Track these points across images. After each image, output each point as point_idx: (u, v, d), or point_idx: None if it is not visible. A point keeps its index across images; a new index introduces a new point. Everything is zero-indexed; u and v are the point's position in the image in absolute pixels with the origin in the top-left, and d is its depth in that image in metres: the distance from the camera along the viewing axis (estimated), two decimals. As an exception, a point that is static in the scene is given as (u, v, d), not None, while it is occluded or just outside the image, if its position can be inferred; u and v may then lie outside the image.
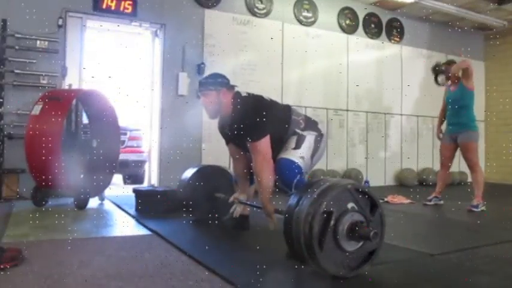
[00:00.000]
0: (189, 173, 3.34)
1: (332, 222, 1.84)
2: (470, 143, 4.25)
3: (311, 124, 2.76)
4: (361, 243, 1.92)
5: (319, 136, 2.73)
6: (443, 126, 4.57)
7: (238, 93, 2.78)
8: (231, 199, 2.93)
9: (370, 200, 1.99)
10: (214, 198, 3.23)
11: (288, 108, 2.80)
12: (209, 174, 3.32)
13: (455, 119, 4.32)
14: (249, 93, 2.80)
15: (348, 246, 1.89)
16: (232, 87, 2.79)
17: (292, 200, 1.97)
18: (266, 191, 2.55)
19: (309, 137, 2.68)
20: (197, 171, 3.32)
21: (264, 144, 2.57)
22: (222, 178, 3.36)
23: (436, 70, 4.40)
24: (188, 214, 3.32)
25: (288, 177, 2.54)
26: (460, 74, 4.31)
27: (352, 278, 1.90)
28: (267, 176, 2.54)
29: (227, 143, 2.97)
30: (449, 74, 4.31)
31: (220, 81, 2.76)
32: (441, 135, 4.55)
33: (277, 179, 2.60)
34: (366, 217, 1.93)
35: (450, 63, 4.43)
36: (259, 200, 2.61)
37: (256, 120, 2.56)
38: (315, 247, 1.80)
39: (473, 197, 4.14)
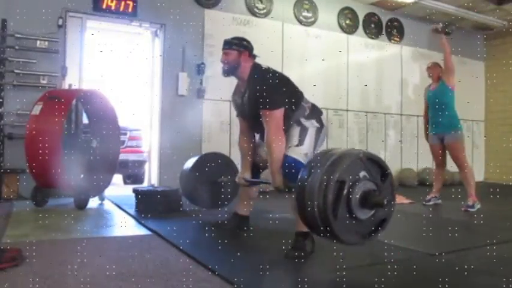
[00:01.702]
0: (191, 161, 3.43)
1: (345, 191, 1.85)
2: (456, 143, 4.29)
3: (316, 113, 2.75)
4: (373, 211, 1.93)
5: (320, 128, 2.73)
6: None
7: (258, 63, 2.82)
8: (237, 179, 2.97)
9: (380, 169, 2.00)
10: (218, 184, 3.28)
11: (301, 93, 2.81)
12: (211, 162, 3.38)
13: (437, 118, 4.37)
14: (269, 67, 2.82)
15: (361, 215, 1.90)
16: (254, 56, 2.84)
17: (304, 171, 1.97)
18: (276, 161, 2.55)
19: (311, 130, 2.67)
20: (199, 158, 3.39)
21: (279, 114, 2.58)
22: (225, 165, 3.44)
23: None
24: (192, 203, 3.38)
25: (292, 176, 2.53)
26: (441, 72, 4.43)
27: (352, 277, 1.90)
28: (279, 145, 2.55)
29: (237, 114, 3.01)
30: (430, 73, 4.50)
31: (245, 44, 2.83)
32: (429, 138, 4.56)
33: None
34: (378, 185, 1.94)
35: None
36: (269, 172, 2.62)
37: (277, 89, 2.60)
38: (329, 216, 1.81)
39: (468, 197, 4.14)
